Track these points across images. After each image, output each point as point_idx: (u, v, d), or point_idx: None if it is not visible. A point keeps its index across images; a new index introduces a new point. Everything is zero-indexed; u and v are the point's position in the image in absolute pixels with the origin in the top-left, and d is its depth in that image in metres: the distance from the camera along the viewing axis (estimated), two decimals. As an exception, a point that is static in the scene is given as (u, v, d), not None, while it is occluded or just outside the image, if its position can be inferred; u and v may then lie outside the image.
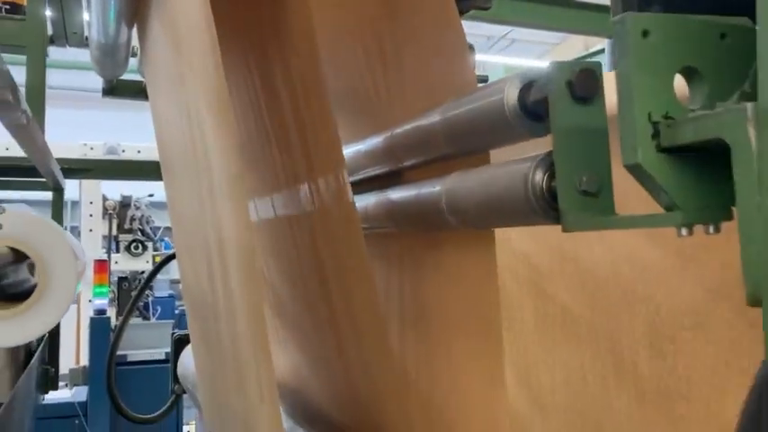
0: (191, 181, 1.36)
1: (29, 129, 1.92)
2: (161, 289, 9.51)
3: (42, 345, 2.99)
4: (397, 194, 1.21)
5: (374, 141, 1.27)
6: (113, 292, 6.06)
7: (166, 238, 8.09)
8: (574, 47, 10.66)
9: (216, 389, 1.45)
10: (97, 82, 3.34)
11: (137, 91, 3.23)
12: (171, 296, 9.05)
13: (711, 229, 0.64)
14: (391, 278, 1.35)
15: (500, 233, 1.46)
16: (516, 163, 0.88)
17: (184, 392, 2.48)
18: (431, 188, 1.08)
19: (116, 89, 3.27)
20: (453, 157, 1.06)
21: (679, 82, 0.66)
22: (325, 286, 1.26)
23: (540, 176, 0.83)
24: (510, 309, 1.70)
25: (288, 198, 1.32)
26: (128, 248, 6.26)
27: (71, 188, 4.43)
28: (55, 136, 3.66)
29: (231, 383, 1.28)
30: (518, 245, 1.64)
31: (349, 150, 1.35)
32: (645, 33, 0.64)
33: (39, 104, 3.06)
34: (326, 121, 1.10)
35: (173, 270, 7.08)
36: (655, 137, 0.63)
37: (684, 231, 0.64)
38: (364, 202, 1.32)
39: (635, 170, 0.65)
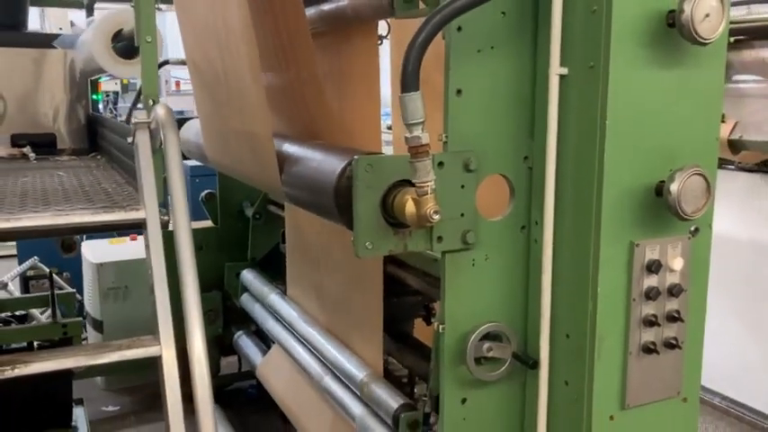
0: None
1: None
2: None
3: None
4: (327, 5, 2.20)
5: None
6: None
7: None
8: None
9: (219, 121, 2.48)
10: None
11: None
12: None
13: None
14: (330, 58, 2.36)
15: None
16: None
17: (185, 158, 3.51)
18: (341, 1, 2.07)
19: None
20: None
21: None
22: (286, 61, 2.26)
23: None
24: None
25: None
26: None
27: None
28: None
29: (236, 114, 2.31)
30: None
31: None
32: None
33: None
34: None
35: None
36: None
37: None
38: (309, 12, 2.29)
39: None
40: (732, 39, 3.31)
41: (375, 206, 1.56)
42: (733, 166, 3.67)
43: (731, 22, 3.32)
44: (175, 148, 1.70)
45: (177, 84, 11.00)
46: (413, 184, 1.50)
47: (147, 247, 1.63)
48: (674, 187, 1.47)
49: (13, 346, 3.15)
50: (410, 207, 1.49)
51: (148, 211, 1.63)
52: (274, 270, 3.41)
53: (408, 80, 1.41)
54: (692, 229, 1.59)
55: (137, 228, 1.71)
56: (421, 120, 1.43)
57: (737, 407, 3.37)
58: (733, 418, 3.33)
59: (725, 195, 3.64)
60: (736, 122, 3.20)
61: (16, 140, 3.30)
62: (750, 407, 3.35)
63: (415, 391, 2.38)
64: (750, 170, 3.60)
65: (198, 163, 3.73)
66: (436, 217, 1.46)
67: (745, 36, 3.29)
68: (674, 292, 1.57)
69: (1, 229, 1.62)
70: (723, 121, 3.25)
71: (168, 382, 1.51)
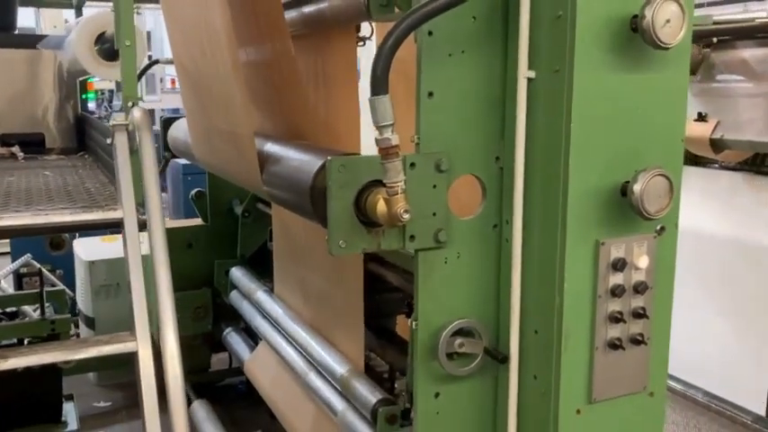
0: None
1: None
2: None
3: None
4: (307, 8, 2.23)
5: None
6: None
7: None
8: None
9: (205, 121, 2.52)
10: None
11: None
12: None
13: None
14: (312, 59, 2.40)
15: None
16: (358, -9, 1.92)
17: (174, 156, 3.55)
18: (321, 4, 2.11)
19: None
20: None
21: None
22: (267, 62, 2.30)
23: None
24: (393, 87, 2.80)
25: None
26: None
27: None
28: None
29: (220, 114, 2.35)
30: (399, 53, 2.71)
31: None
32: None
33: None
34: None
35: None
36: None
37: None
38: (290, 15, 2.33)
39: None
40: (715, 39, 3.35)
41: (348, 205, 1.60)
42: (717, 165, 3.72)
43: (714, 23, 3.39)
44: (150, 149, 1.75)
45: (173, 81, 11.02)
46: (385, 185, 1.54)
47: (124, 245, 1.68)
48: (637, 188, 1.51)
49: (4, 342, 3.20)
50: (381, 206, 1.53)
51: (125, 211, 1.68)
52: (263, 267, 3.45)
53: (377, 83, 1.45)
54: (658, 228, 1.63)
55: (116, 227, 1.76)
56: (390, 122, 1.47)
57: (718, 402, 3.42)
58: (714, 413, 3.38)
59: (708, 194, 3.69)
60: (717, 122, 3.24)
61: (5, 140, 3.36)
62: (730, 402, 3.40)
63: (396, 386, 2.42)
64: (733, 169, 3.64)
65: (189, 161, 3.78)
66: (406, 216, 1.50)
67: (728, 36, 3.33)
68: (639, 289, 1.61)
69: (-18, 227, 1.67)
70: (705, 121, 3.29)
71: (144, 378, 1.56)
